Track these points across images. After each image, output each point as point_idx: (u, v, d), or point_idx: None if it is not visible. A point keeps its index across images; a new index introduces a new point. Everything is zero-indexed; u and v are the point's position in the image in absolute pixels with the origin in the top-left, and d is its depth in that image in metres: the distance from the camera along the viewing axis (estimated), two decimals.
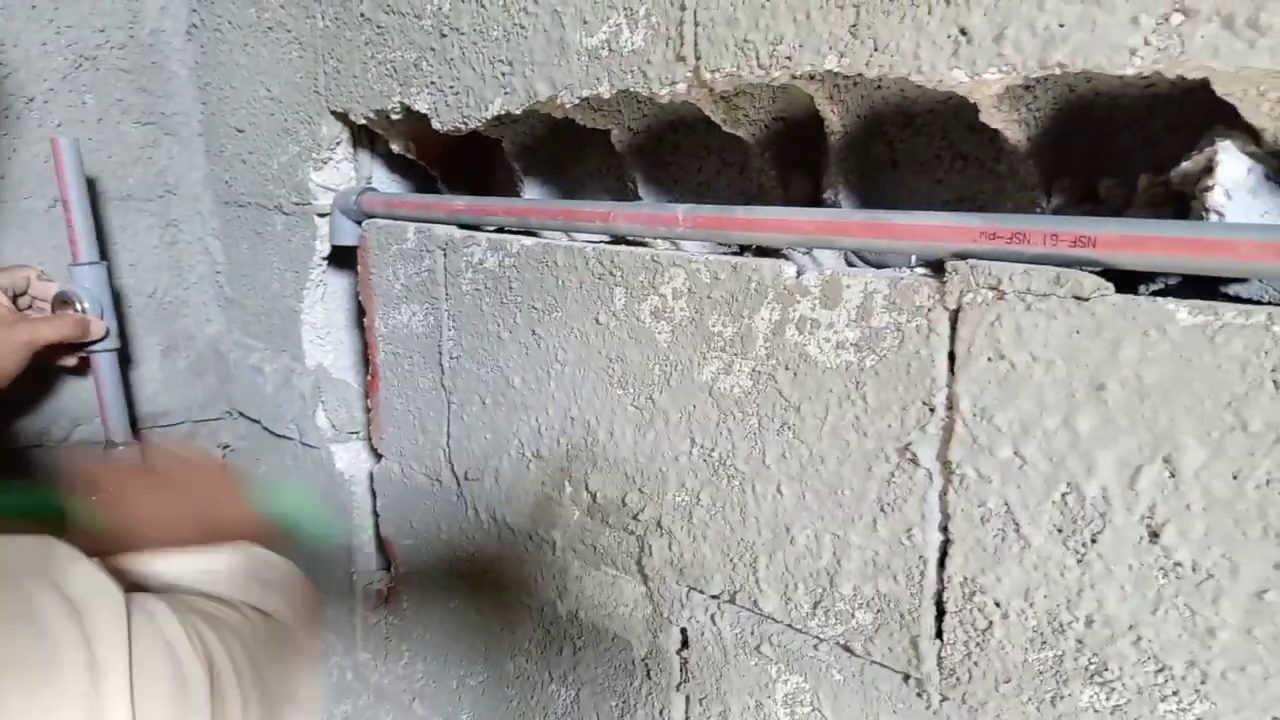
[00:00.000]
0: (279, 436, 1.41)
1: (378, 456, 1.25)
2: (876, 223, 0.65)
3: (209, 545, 0.67)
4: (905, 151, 0.80)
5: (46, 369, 1.32)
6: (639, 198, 0.96)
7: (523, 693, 1.07)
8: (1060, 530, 0.59)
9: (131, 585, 0.59)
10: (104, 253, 1.38)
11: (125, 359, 1.43)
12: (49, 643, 0.48)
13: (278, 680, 0.61)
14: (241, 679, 0.57)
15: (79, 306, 1.28)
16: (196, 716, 0.53)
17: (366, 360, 1.21)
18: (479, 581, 1.10)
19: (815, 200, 0.84)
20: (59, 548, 0.54)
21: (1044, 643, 0.61)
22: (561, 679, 1.01)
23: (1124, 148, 0.69)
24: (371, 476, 1.27)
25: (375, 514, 1.28)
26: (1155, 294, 0.57)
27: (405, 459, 1.18)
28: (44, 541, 0.54)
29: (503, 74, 0.89)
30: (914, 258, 0.70)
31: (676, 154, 0.97)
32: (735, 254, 0.82)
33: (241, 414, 1.51)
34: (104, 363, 1.36)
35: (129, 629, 0.51)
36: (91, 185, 1.37)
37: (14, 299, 1.25)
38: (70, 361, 1.35)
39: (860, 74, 0.65)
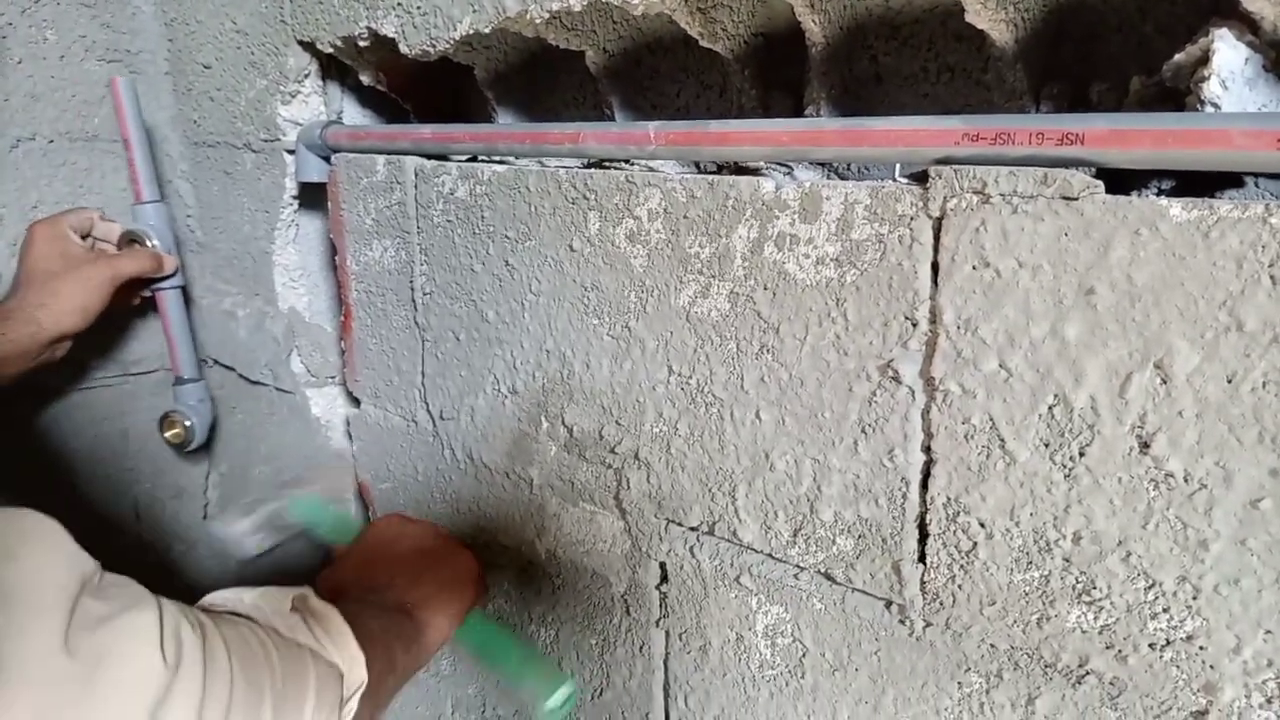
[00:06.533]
0: (253, 383, 1.38)
1: (353, 399, 1.22)
2: (854, 130, 0.62)
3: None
4: (890, 65, 0.77)
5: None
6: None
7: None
8: (1047, 445, 0.56)
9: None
10: (69, 197, 1.36)
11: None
12: None
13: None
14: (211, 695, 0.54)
15: (150, 243, 1.29)
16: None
17: (341, 302, 1.18)
18: (456, 523, 1.07)
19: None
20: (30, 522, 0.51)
21: (1030, 562, 0.59)
22: (541, 619, 0.99)
23: (1115, 52, 0.66)
24: (347, 420, 1.24)
25: (352, 458, 1.25)
26: None
27: (380, 400, 1.15)
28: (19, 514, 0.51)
29: None
30: (898, 168, 0.67)
31: (654, 78, 0.93)
32: (713, 174, 0.79)
33: (215, 361, 1.47)
34: (170, 300, 1.37)
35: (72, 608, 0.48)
36: (53, 125, 1.34)
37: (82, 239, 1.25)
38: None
39: None
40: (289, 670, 0.60)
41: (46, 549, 0.50)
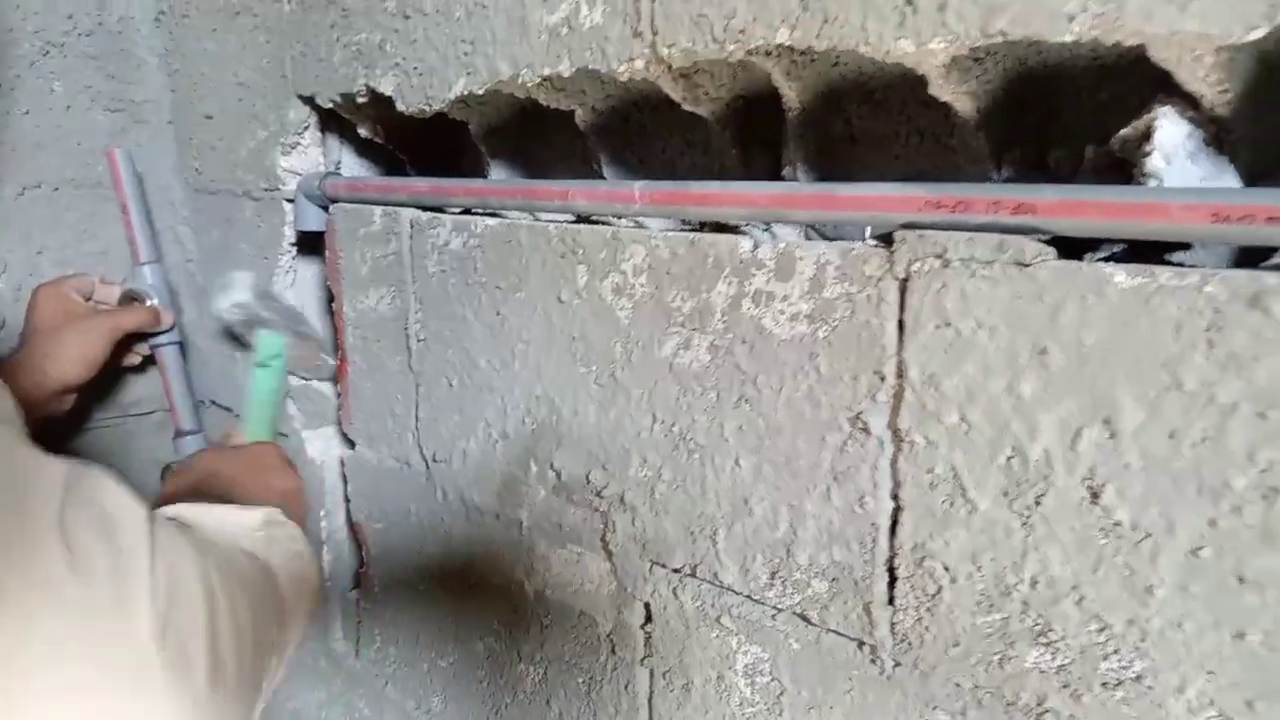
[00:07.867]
0: None
1: (348, 442, 1.25)
2: (825, 195, 0.66)
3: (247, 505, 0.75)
4: (863, 128, 0.81)
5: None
6: (603, 179, 0.97)
7: (492, 673, 1.08)
8: (1006, 494, 0.59)
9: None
10: (73, 242, 1.40)
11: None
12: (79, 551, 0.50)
13: (262, 638, 0.66)
14: (219, 639, 0.59)
15: (149, 300, 1.37)
16: (194, 641, 0.55)
17: (337, 347, 1.21)
18: (448, 563, 1.10)
19: (776, 178, 0.84)
20: (95, 470, 0.57)
21: (991, 605, 0.62)
22: (530, 657, 1.02)
23: (1073, 120, 0.70)
24: (342, 462, 1.27)
25: (346, 499, 1.28)
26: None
27: (375, 442, 1.18)
28: (84, 464, 0.57)
29: (465, 54, 0.90)
30: (868, 231, 0.71)
31: (641, 134, 0.97)
32: (694, 230, 0.83)
33: (214, 402, 1.50)
34: (169, 355, 1.45)
35: (152, 547, 0.54)
36: (59, 173, 1.38)
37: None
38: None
39: (811, 47, 0.66)
40: (267, 590, 0.69)
41: (123, 490, 0.57)
